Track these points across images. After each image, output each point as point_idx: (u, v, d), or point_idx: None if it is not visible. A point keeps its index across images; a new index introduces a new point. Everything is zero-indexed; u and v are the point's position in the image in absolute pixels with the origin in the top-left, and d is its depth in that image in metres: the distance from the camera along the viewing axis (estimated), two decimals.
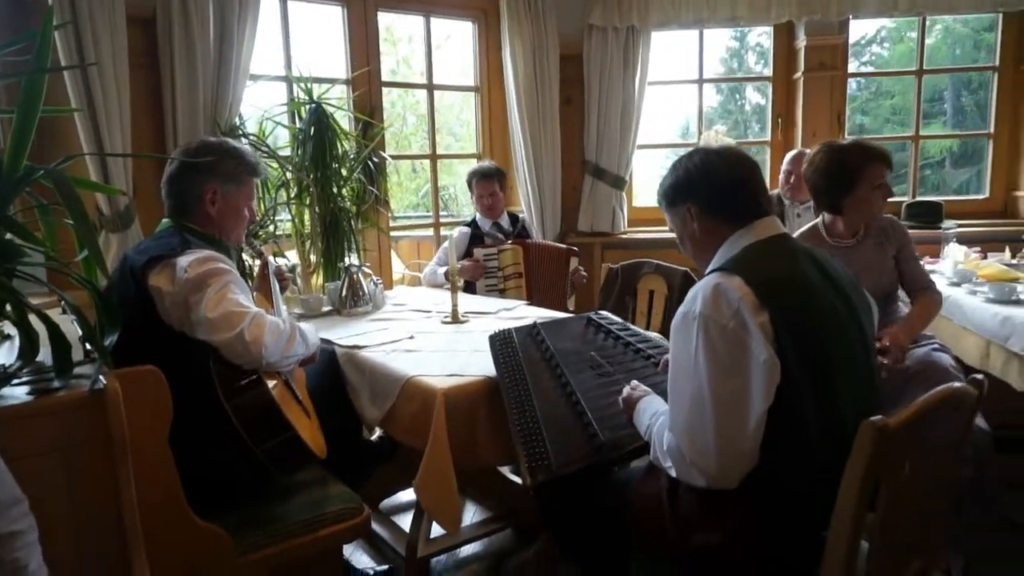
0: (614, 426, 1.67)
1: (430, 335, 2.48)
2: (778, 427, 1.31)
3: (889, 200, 2.40)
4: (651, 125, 4.55)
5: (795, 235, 2.50)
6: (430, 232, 4.41)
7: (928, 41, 4.89)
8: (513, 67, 3.97)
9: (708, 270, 1.48)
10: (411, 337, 2.45)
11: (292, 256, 3.36)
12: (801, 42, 4.19)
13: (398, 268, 4.44)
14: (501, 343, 2.06)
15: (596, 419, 1.69)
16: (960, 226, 4.04)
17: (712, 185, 1.52)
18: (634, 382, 1.72)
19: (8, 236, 1.54)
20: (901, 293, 2.56)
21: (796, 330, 1.32)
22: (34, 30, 1.60)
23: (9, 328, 1.75)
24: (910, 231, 3.70)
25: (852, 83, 4.67)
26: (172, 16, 2.89)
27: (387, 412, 2.10)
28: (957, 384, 1.30)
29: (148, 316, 1.74)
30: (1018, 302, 2.62)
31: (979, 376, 1.35)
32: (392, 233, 4.08)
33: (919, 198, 4.35)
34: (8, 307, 1.51)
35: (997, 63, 4.25)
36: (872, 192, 2.34)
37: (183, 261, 1.73)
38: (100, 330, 1.59)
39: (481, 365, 2.05)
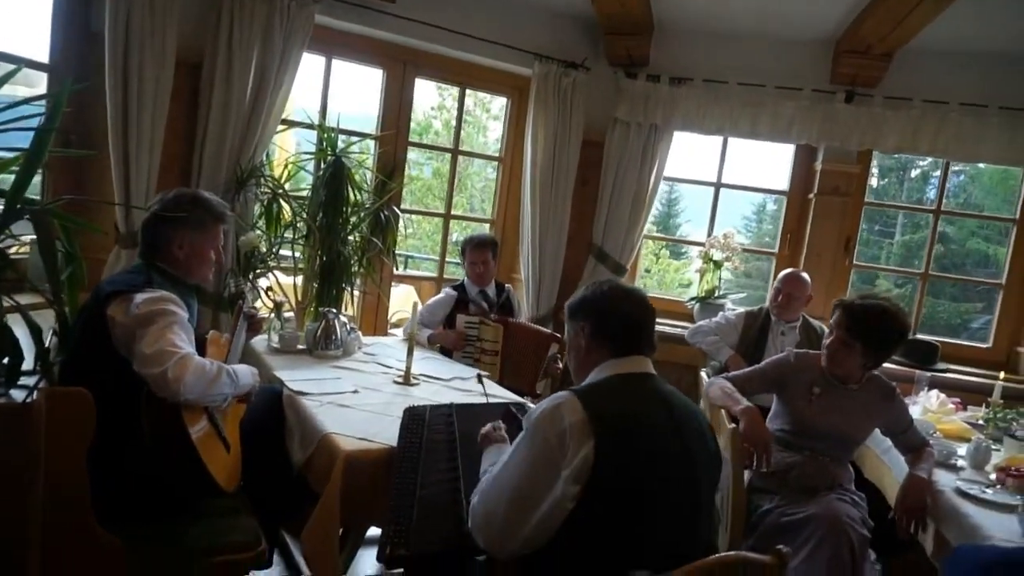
0: None
1: (373, 393, 2.66)
2: (575, 536, 1.44)
3: None
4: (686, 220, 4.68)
5: (809, 352, 2.67)
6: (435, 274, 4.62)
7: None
8: (533, 145, 4.19)
9: (571, 388, 1.63)
10: (355, 391, 2.63)
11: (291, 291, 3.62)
12: (819, 164, 4.28)
13: (398, 305, 4.66)
14: (411, 418, 2.21)
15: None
16: (954, 372, 4.01)
17: (607, 313, 1.69)
18: (500, 423, 1.90)
19: None
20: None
21: (615, 466, 1.43)
22: (57, 91, 1.90)
23: None
24: (898, 366, 3.77)
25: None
26: (217, 62, 3.24)
27: (307, 459, 2.27)
28: (752, 555, 1.39)
29: (102, 340, 1.98)
30: (952, 467, 2.61)
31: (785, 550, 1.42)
32: (396, 272, 4.30)
33: (918, 335, 4.31)
34: None
35: (1017, 215, 4.23)
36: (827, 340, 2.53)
37: (138, 298, 1.97)
38: (54, 350, 1.84)
39: (396, 433, 2.21)
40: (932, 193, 11.86)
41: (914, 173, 14.64)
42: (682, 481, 1.53)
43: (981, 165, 5.10)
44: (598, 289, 1.75)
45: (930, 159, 6.53)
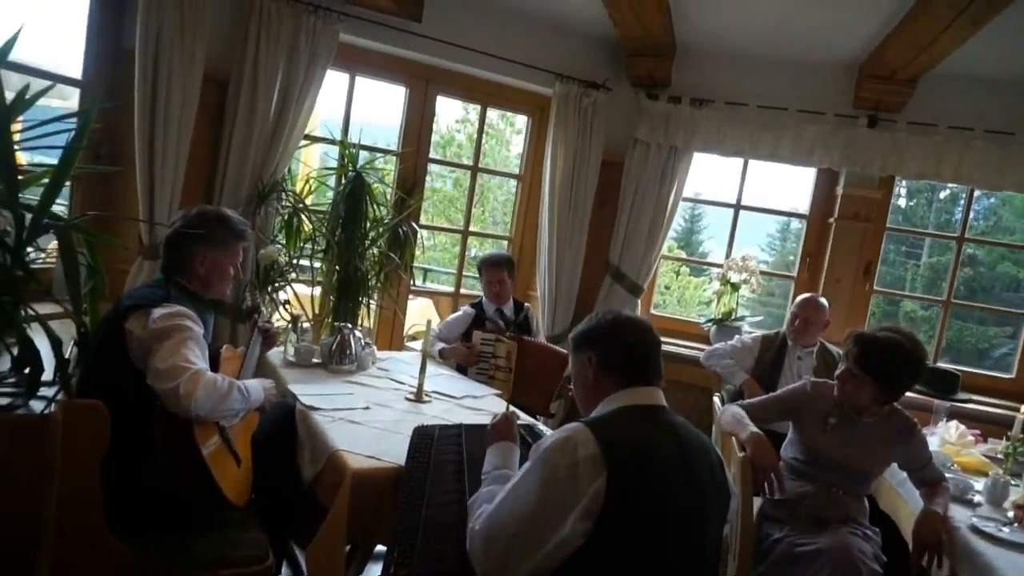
0: None
1: (384, 409, 2.68)
2: (581, 570, 1.42)
3: None
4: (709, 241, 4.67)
5: (827, 381, 2.64)
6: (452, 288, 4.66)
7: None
8: (552, 163, 4.21)
9: (582, 419, 1.62)
10: (366, 408, 2.65)
11: (308, 303, 3.67)
12: (840, 189, 4.25)
13: (415, 318, 4.70)
14: (420, 437, 2.22)
15: None
16: (975, 403, 3.95)
17: (613, 342, 1.70)
18: (514, 411, 1.91)
19: (20, 273, 1.88)
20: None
21: (628, 500, 1.43)
22: (87, 108, 1.96)
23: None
24: (917, 395, 3.72)
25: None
26: (243, 78, 3.31)
27: (317, 474, 2.30)
28: None
29: (120, 353, 2.03)
30: (968, 502, 2.57)
31: None
32: (413, 287, 4.34)
33: (939, 364, 4.25)
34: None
35: None
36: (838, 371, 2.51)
37: (156, 312, 2.02)
38: (74, 361, 1.89)
39: (404, 451, 2.23)
40: (961, 215, 11.71)
41: (943, 194, 14.45)
42: (691, 515, 1.53)
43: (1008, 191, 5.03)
44: (603, 319, 1.75)
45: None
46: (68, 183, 2.68)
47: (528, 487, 1.50)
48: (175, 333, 1.99)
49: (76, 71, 3.09)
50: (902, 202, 14.75)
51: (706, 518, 1.57)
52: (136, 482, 1.96)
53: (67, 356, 1.91)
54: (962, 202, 4.46)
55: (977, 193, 4.89)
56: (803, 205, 4.55)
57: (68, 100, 3.25)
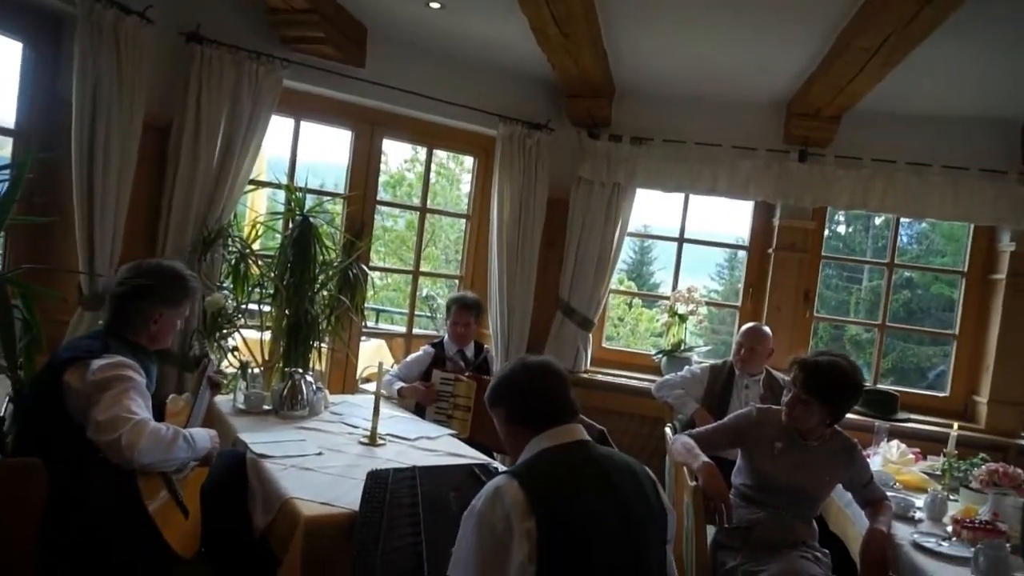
0: None
1: (338, 454, 2.65)
2: None
3: None
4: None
5: (772, 407, 2.71)
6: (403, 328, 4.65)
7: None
8: (499, 203, 4.28)
9: (506, 470, 1.66)
10: (319, 453, 2.61)
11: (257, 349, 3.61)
12: (777, 220, 4.42)
13: (369, 359, 4.66)
14: (374, 482, 2.20)
15: None
16: (914, 421, 4.11)
17: (514, 394, 1.76)
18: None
19: None
20: None
21: (558, 536, 1.47)
22: (21, 159, 1.93)
23: None
24: (858, 416, 3.84)
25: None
26: (185, 125, 3.29)
27: (269, 523, 2.25)
28: None
29: (58, 407, 1.97)
30: (910, 519, 2.66)
31: None
32: (365, 328, 4.32)
33: (878, 386, 4.41)
34: None
35: (965, 268, 4.39)
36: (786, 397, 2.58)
37: (95, 364, 1.97)
38: (9, 418, 1.83)
39: (358, 497, 2.20)
40: (899, 240, 12.23)
41: (878, 220, 15.11)
42: (625, 542, 1.56)
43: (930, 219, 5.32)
44: (502, 374, 1.81)
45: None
46: (1, 235, 2.62)
47: (470, 552, 1.51)
48: (116, 383, 1.95)
49: (9, 120, 3.03)
50: (841, 229, 15.34)
51: (642, 543, 1.61)
52: (77, 539, 1.89)
53: (2, 414, 1.85)
54: (891, 229, 4.68)
55: (907, 220, 5.14)
56: (746, 236, 4.71)
57: (1, 149, 3.18)
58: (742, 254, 4.71)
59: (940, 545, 2.37)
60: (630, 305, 15.74)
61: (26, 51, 3.04)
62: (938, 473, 3.24)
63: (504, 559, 1.46)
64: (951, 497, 2.85)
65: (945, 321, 11.60)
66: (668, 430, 3.41)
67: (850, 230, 15.82)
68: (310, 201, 3.70)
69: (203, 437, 2.19)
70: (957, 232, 12.27)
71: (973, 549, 2.23)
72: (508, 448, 1.78)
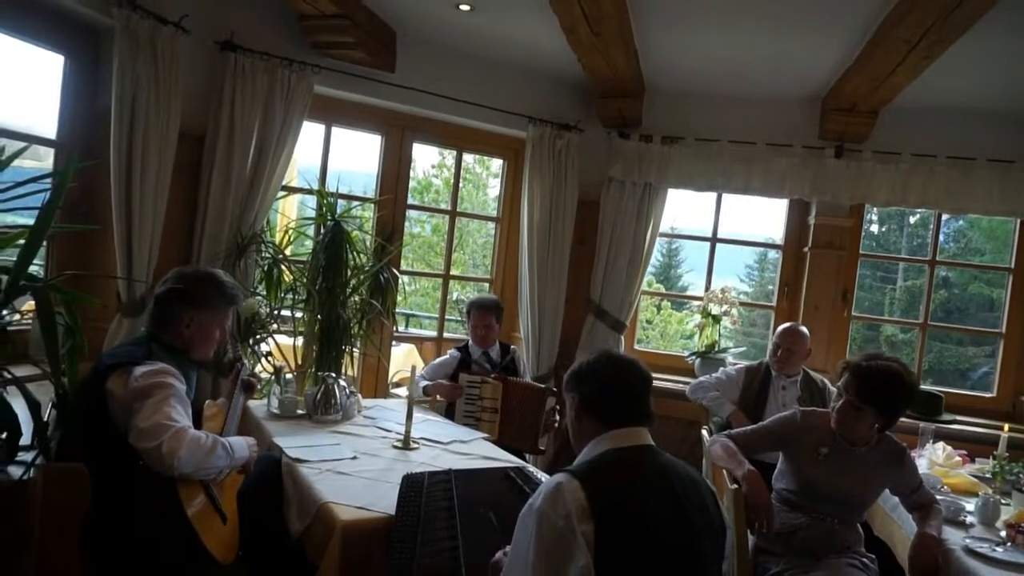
0: None
1: (372, 458, 2.65)
2: None
3: None
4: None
5: (816, 410, 2.63)
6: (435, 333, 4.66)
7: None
8: (529, 206, 4.26)
9: (567, 468, 1.61)
10: (354, 457, 2.61)
11: (290, 354, 3.64)
12: (812, 219, 4.33)
13: (399, 364, 4.67)
14: (409, 485, 2.19)
15: None
16: (960, 423, 3.98)
17: (595, 384, 1.70)
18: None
19: None
20: None
21: (616, 545, 1.43)
22: (62, 168, 1.95)
23: None
24: (903, 418, 3.73)
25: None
26: (219, 134, 3.33)
27: (305, 528, 2.25)
28: None
29: (101, 413, 1.99)
30: (961, 524, 2.57)
31: None
32: (396, 333, 4.33)
33: (921, 386, 4.29)
34: None
35: (1013, 264, 4.26)
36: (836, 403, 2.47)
37: (137, 371, 1.99)
38: (53, 424, 1.85)
39: (394, 500, 2.19)
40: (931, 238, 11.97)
41: (913, 219, 14.79)
42: (685, 557, 1.52)
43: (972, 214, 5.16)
44: (588, 360, 1.76)
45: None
46: (44, 243, 2.66)
47: (531, 549, 1.47)
48: (157, 391, 1.96)
49: (51, 131, 3.09)
50: (874, 228, 15.04)
51: (701, 557, 1.55)
52: (120, 545, 1.91)
53: (46, 419, 1.87)
54: (932, 226, 4.56)
55: (945, 216, 5.02)
56: (778, 235, 4.62)
57: (43, 161, 3.25)
58: (772, 255, 4.65)
59: (995, 550, 2.29)
60: (659, 308, 15.62)
61: (67, 64, 3.09)
62: (988, 476, 3.14)
63: (566, 557, 1.42)
64: (1003, 501, 2.75)
65: (985, 321, 11.32)
66: (704, 432, 3.36)
67: (883, 229, 15.51)
68: (340, 207, 3.72)
69: (241, 446, 2.19)
70: (997, 229, 11.96)
71: None
72: (572, 436, 1.74)
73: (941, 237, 4.49)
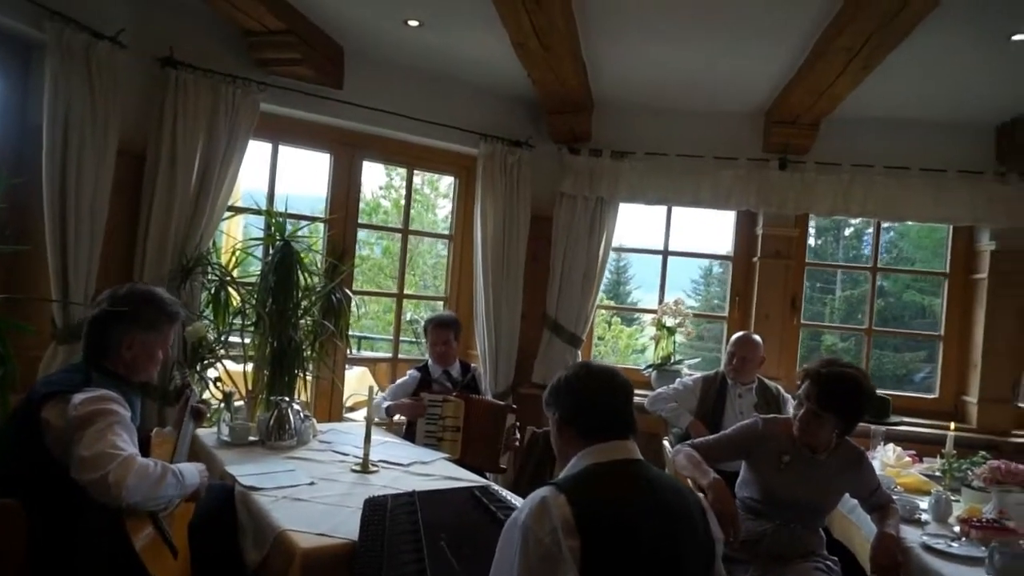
0: None
1: (331, 483, 2.55)
2: None
3: None
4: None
5: (777, 418, 2.65)
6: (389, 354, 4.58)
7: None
8: (482, 222, 4.24)
9: (552, 481, 1.57)
10: (311, 483, 2.51)
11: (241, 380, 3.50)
12: (760, 229, 4.43)
13: (353, 388, 4.56)
14: (372, 509, 2.11)
15: None
16: (907, 424, 4.10)
17: (571, 400, 1.66)
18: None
19: None
20: None
21: (603, 560, 1.40)
22: None
23: None
24: None
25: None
26: (161, 151, 3.21)
27: (263, 559, 2.14)
28: None
29: (36, 445, 1.86)
30: (916, 522, 2.62)
31: None
32: (350, 355, 4.22)
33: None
34: None
35: (948, 269, 4.44)
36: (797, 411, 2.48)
37: (77, 398, 1.87)
38: None
39: (357, 526, 2.11)
40: (867, 250, 12.39)
41: (847, 231, 15.40)
42: (673, 571, 1.49)
43: (909, 222, 5.36)
44: (565, 374, 1.72)
45: (861, 219, 6.85)
46: None
47: (516, 565, 1.41)
48: (99, 418, 1.84)
49: None
50: (811, 241, 15.56)
51: (687, 568, 1.52)
52: None
53: None
54: (865, 238, 4.76)
55: (871, 230, 5.20)
56: (724, 249, 4.71)
57: None
58: (717, 270, 4.76)
59: (951, 546, 2.33)
60: (609, 324, 15.77)
61: None
62: (937, 474, 3.23)
63: (553, 573, 1.37)
64: (954, 498, 2.83)
65: (919, 327, 11.79)
66: (667, 443, 3.36)
67: (820, 242, 16.08)
68: (289, 228, 3.61)
69: (192, 472, 2.08)
70: (925, 239, 12.52)
71: (986, 548, 2.20)
72: (556, 451, 1.70)
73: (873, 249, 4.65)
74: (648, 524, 1.48)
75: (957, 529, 2.51)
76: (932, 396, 4.47)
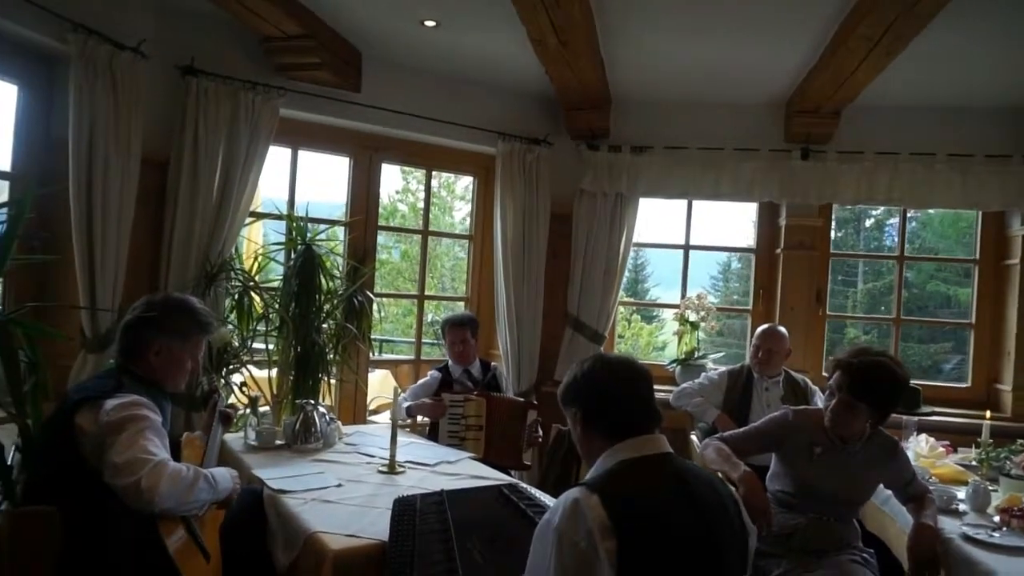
0: None
1: (358, 484, 2.55)
2: None
3: None
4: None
5: (808, 409, 2.60)
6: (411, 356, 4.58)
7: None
8: (502, 222, 4.23)
9: (582, 480, 1.54)
10: (339, 485, 2.52)
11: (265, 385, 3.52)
12: (783, 220, 4.38)
13: (376, 391, 4.58)
14: (401, 508, 2.11)
15: None
16: (939, 415, 4.02)
17: (592, 396, 1.60)
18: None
19: None
20: None
21: (640, 560, 1.37)
22: (18, 199, 1.85)
23: None
24: None
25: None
26: (183, 159, 3.24)
27: (293, 561, 2.15)
28: None
29: (71, 451, 1.88)
30: (954, 512, 2.57)
31: None
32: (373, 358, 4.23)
33: None
34: None
35: (978, 256, 4.35)
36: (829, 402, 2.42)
37: (109, 404, 1.89)
38: (17, 467, 1.73)
39: (386, 526, 2.11)
40: (889, 241, 12.23)
41: (868, 223, 15.19)
42: (710, 567, 1.46)
43: (931, 211, 5.27)
44: (580, 369, 1.65)
45: (883, 208, 6.73)
46: (1, 278, 2.54)
47: (551, 569, 1.39)
48: (131, 424, 1.86)
49: (5, 163, 2.97)
50: (832, 233, 15.37)
51: (726, 566, 1.50)
52: None
53: (9, 462, 1.75)
54: (887, 228, 4.69)
55: (893, 220, 5.12)
56: (744, 243, 4.66)
57: None
58: (736, 265, 4.69)
59: (992, 536, 2.28)
60: (629, 321, 15.69)
61: (20, 93, 2.99)
62: (973, 464, 3.16)
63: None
64: (991, 487, 2.76)
65: (945, 318, 11.61)
66: (694, 437, 3.33)
67: (840, 234, 15.90)
68: (309, 232, 3.63)
69: (225, 477, 2.10)
70: (948, 228, 12.31)
71: None
72: (581, 451, 1.65)
73: (895, 237, 4.57)
74: (684, 519, 1.45)
75: (997, 519, 2.45)
76: (964, 385, 4.38)
